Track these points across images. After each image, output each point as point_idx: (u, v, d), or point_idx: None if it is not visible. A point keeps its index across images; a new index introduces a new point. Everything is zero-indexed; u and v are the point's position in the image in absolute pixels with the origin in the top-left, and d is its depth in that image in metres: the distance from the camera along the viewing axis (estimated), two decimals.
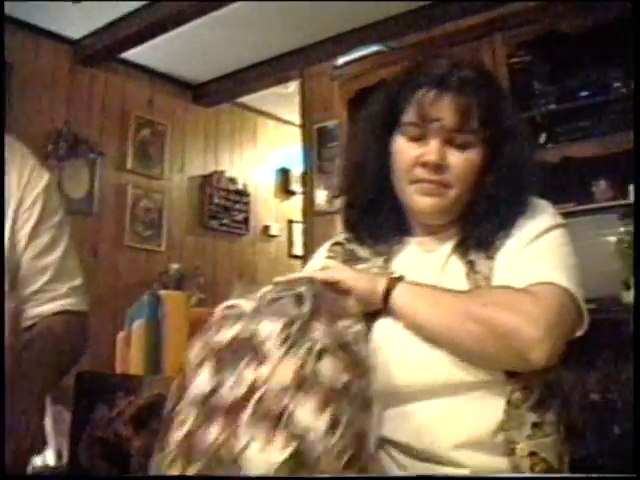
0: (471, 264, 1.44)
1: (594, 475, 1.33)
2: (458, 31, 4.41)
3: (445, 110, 1.41)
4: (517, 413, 1.33)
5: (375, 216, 1.57)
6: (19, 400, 1.45)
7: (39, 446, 1.48)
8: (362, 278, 1.36)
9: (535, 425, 1.33)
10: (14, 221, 1.64)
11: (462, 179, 1.43)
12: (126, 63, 6.16)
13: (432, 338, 1.34)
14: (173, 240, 6.42)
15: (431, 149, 1.42)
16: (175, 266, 6.13)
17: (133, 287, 5.64)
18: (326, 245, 1.68)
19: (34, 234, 1.67)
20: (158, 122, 6.43)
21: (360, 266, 1.51)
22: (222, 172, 6.95)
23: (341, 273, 1.35)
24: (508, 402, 1.33)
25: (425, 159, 1.42)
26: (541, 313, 1.26)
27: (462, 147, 1.42)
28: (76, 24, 5.50)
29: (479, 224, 1.46)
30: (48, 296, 1.68)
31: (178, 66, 6.36)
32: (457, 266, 1.46)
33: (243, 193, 7.13)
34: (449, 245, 1.50)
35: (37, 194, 1.69)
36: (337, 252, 1.62)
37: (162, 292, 3.96)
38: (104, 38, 5.61)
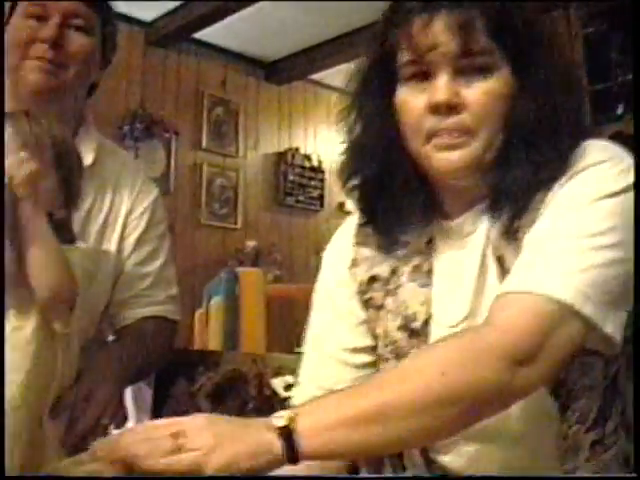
0: (500, 261, 1.14)
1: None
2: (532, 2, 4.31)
3: (442, 32, 1.09)
4: (574, 442, 1.12)
5: (394, 196, 1.22)
6: (96, 382, 1.49)
7: (119, 422, 1.51)
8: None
9: (594, 443, 1.13)
10: (123, 228, 1.75)
11: (486, 117, 1.11)
12: (199, 43, 6.19)
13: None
14: (249, 217, 6.45)
15: (437, 87, 1.10)
16: (251, 243, 6.16)
17: (210, 265, 5.70)
18: (349, 227, 1.36)
19: (139, 243, 1.77)
20: (231, 101, 6.45)
21: (400, 251, 1.24)
22: (296, 149, 6.95)
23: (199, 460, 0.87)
24: (565, 437, 1.12)
25: (433, 101, 1.10)
26: (510, 341, 0.96)
27: (478, 75, 1.10)
28: (148, 6, 5.56)
29: (507, 189, 1.12)
30: (146, 301, 1.76)
31: (250, 45, 6.37)
32: (493, 265, 1.16)
33: (318, 170, 7.11)
34: (483, 228, 1.18)
35: (145, 206, 1.80)
36: (367, 236, 1.30)
37: (239, 269, 4.00)
38: (176, 19, 5.66)
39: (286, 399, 1.48)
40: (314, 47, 6.31)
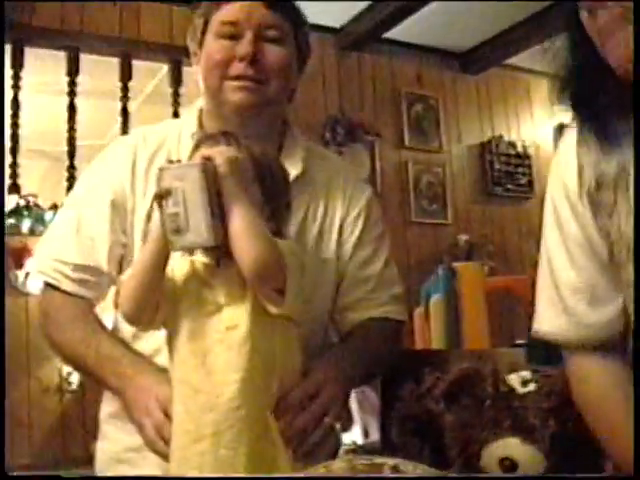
0: None
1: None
2: None
3: None
4: None
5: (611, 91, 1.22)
6: (322, 380, 1.47)
7: (346, 425, 1.51)
8: None
9: None
10: (340, 233, 1.74)
11: None
12: (390, 42, 6.17)
13: None
14: (459, 211, 6.37)
15: None
16: (464, 237, 6.09)
17: (424, 262, 5.67)
18: (570, 139, 1.35)
19: (358, 246, 1.75)
20: (429, 96, 6.41)
21: (626, 147, 1.22)
22: (500, 137, 6.78)
23: None
24: None
25: None
26: None
27: None
28: (337, 13, 5.63)
29: None
30: (370, 303, 1.75)
31: (442, 37, 6.28)
32: None
33: (524, 156, 6.89)
34: None
35: (360, 208, 1.78)
36: (588, 140, 1.30)
37: (456, 264, 3.95)
38: (365, 22, 5.68)
39: (524, 395, 1.42)
40: (507, 31, 6.12)
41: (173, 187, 1.27)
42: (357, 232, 1.75)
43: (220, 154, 1.34)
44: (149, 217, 1.63)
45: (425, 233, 6.11)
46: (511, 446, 1.39)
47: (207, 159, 1.32)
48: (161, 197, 1.28)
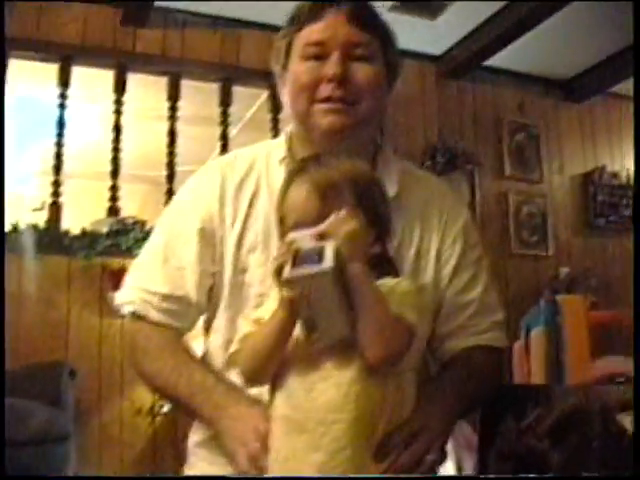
0: None
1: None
2: None
3: None
4: None
5: None
6: (426, 416, 1.42)
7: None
8: None
9: None
10: (437, 258, 1.67)
11: None
12: (491, 69, 6.12)
13: None
14: (560, 243, 6.24)
15: None
16: (565, 270, 5.96)
17: (523, 295, 5.54)
18: None
19: (456, 271, 1.68)
20: (531, 125, 6.32)
21: None
22: (603, 168, 6.63)
23: None
24: None
25: None
26: None
27: None
28: (435, 40, 5.61)
29: None
30: (471, 330, 1.68)
31: (544, 65, 6.20)
32: None
33: (628, 187, 6.70)
34: None
35: (457, 232, 1.71)
36: None
37: (559, 297, 3.85)
38: (466, 49, 5.66)
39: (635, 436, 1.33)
40: (610, 58, 6.00)
41: (305, 295, 1.24)
42: (455, 257, 1.68)
43: (337, 227, 1.27)
44: (239, 244, 1.61)
45: (525, 265, 6.01)
46: None
47: (324, 235, 1.27)
48: (293, 305, 1.27)
